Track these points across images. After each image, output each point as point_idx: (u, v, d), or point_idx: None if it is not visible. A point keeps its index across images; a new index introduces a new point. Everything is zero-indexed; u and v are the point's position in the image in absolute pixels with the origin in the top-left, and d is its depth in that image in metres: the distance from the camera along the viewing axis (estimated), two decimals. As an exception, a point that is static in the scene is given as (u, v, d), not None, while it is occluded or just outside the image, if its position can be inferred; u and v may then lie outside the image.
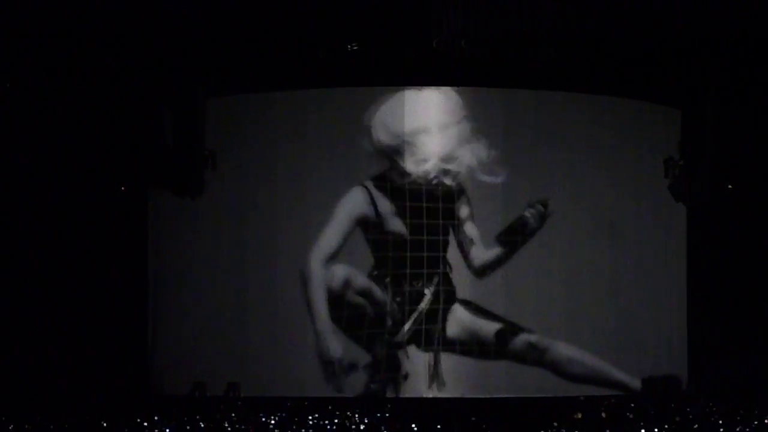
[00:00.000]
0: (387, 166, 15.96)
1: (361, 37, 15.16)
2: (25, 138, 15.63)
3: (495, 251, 16.00)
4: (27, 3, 13.99)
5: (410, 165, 15.92)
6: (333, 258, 15.91)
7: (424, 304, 15.85)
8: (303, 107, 16.16)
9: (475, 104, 16.09)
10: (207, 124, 16.03)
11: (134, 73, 15.40)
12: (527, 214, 16.05)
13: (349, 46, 15.28)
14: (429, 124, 15.97)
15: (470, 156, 15.97)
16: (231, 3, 14.30)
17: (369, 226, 15.96)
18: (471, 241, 15.98)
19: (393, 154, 15.93)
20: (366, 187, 16.00)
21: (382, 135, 15.94)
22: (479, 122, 16.06)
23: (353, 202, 16.02)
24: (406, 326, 15.81)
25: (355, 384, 15.78)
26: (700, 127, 16.15)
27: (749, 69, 15.47)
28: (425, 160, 15.93)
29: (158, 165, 16.06)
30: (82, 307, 15.77)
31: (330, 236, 15.96)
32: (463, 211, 15.97)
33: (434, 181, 15.92)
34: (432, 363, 15.87)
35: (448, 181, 15.93)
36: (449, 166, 15.95)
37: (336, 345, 15.83)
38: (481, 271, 15.98)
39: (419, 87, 15.98)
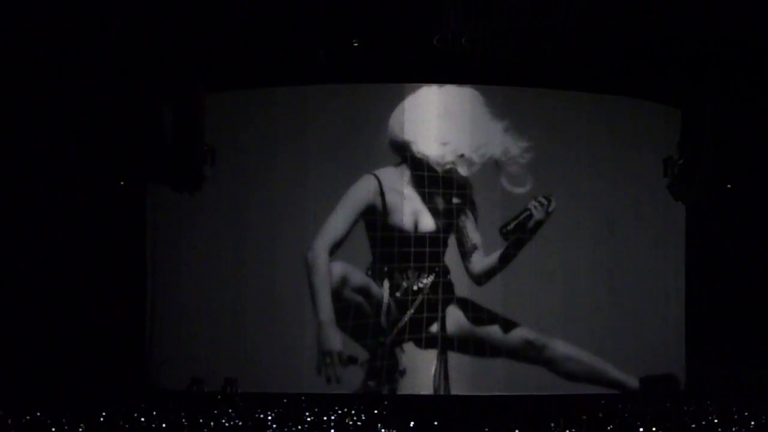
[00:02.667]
0: (399, 161, 15.98)
1: (362, 34, 15.14)
2: (24, 133, 15.60)
3: (494, 256, 15.99)
4: (27, 1, 13.95)
5: (421, 160, 15.95)
6: (337, 247, 15.88)
7: (423, 294, 15.84)
8: (303, 103, 16.17)
9: (475, 101, 16.14)
10: (206, 120, 16.02)
11: (134, 67, 15.37)
12: (532, 206, 16.06)
13: (351, 43, 15.29)
14: (432, 118, 16.03)
15: (474, 154, 16.01)
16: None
17: (374, 216, 15.93)
18: (474, 246, 15.98)
19: (406, 149, 15.94)
20: (376, 177, 15.99)
21: (398, 130, 15.93)
22: (478, 120, 16.11)
23: (363, 190, 15.99)
24: (406, 316, 15.79)
25: (353, 380, 15.79)
26: (699, 127, 16.12)
27: (749, 68, 15.46)
28: (433, 157, 15.95)
29: (157, 160, 16.03)
30: (79, 302, 15.75)
31: (336, 224, 15.93)
32: (469, 213, 15.98)
33: (443, 178, 15.93)
34: (430, 360, 15.87)
35: (457, 178, 15.96)
36: (459, 163, 15.98)
37: (337, 337, 15.82)
38: (479, 277, 15.98)
39: (441, 84, 16.06)
